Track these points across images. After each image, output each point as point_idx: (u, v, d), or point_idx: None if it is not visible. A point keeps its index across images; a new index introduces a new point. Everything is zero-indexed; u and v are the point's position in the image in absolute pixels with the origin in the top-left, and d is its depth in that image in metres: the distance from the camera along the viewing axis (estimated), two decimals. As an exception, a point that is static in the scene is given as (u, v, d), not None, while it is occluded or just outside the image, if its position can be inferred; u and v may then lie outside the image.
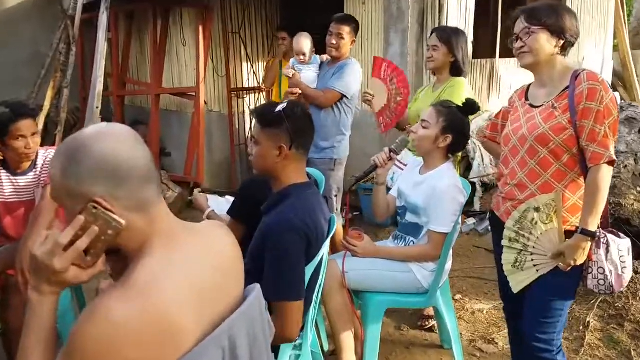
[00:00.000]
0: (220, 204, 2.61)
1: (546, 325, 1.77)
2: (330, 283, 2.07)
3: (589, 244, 1.65)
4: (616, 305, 2.74)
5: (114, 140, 0.93)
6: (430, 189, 2.11)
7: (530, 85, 1.94)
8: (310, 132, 1.68)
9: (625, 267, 1.73)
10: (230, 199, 2.54)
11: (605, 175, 1.62)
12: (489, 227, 2.43)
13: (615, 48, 6.97)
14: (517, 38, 1.79)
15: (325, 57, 3.30)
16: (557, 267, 1.71)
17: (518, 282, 1.82)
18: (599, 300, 2.80)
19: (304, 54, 3.22)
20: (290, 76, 3.17)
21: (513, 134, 1.83)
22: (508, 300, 2.07)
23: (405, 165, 2.79)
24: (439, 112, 2.14)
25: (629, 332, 2.55)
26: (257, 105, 5.67)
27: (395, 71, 2.86)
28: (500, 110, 2.08)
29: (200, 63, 4.82)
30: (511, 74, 5.27)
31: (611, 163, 1.63)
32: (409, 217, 2.22)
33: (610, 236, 1.74)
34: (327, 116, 3.14)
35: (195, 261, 1.00)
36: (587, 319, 2.69)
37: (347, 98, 3.11)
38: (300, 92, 3.11)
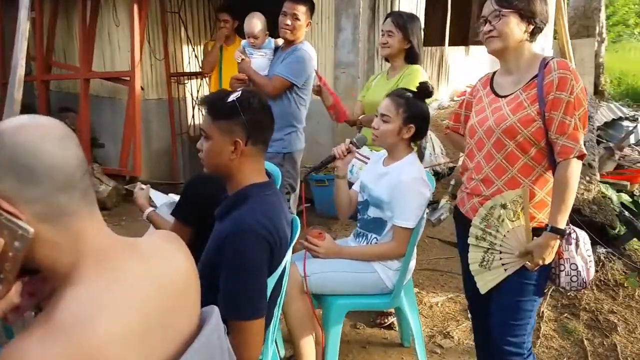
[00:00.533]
0: (162, 200, 2.38)
1: (516, 328, 1.70)
2: (291, 288, 1.91)
3: (558, 242, 1.60)
4: (568, 294, 2.77)
5: (36, 134, 0.77)
6: (394, 181, 1.99)
7: (494, 73, 1.85)
8: (269, 125, 1.49)
9: (591, 261, 1.69)
10: (175, 197, 2.30)
11: (575, 170, 1.56)
12: (441, 217, 2.37)
13: (554, 37, 7.20)
14: (485, 21, 1.68)
15: (280, 41, 3.05)
16: (524, 266, 1.65)
17: (486, 282, 1.74)
18: (551, 289, 2.82)
19: (255, 37, 2.96)
20: (239, 61, 2.92)
21: (478, 126, 1.73)
22: (473, 299, 2.00)
23: (369, 159, 2.67)
24: (398, 103, 2.02)
25: (583, 321, 2.58)
26: (200, 91, 5.35)
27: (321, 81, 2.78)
28: (463, 100, 1.99)
29: (135, 45, 4.44)
30: (460, 63, 5.28)
31: (581, 157, 1.57)
32: (372, 212, 2.09)
33: (578, 230, 1.70)
34: (275, 106, 2.90)
35: (139, 287, 0.82)
36: (541, 310, 2.70)
37: (298, 86, 2.88)
38: (245, 77, 2.87)
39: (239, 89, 1.49)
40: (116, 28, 4.83)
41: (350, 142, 2.07)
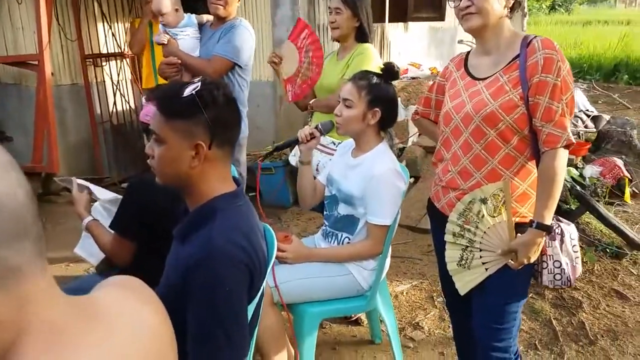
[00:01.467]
0: (105, 195, 2.04)
1: (502, 332, 1.58)
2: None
3: (544, 238, 1.47)
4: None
5: None
6: (366, 175, 1.80)
7: (468, 53, 1.68)
8: (236, 121, 1.22)
9: (577, 257, 1.59)
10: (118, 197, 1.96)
11: (562, 160, 1.42)
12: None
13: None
14: None
15: (205, 17, 2.72)
16: (507, 265, 1.51)
17: (465, 283, 1.60)
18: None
19: (162, 14, 2.56)
20: (165, 42, 2.55)
21: (454, 112, 1.56)
22: (452, 297, 1.86)
23: (334, 151, 2.45)
24: (359, 86, 1.81)
25: (549, 301, 2.57)
26: (120, 74, 4.82)
27: (314, 44, 2.44)
28: (434, 83, 1.81)
29: (42, 24, 3.85)
30: (400, 40, 5.15)
31: (568, 146, 1.43)
32: (342, 209, 1.88)
33: (562, 224, 1.59)
34: None
35: None
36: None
37: (240, 67, 2.60)
38: (178, 61, 2.53)
39: (196, 79, 1.20)
40: (18, 6, 4.19)
41: (315, 127, 1.85)
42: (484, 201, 1.51)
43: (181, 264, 1.11)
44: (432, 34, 5.89)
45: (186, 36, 2.62)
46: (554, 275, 1.54)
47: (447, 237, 1.60)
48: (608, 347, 2.27)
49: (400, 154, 4.01)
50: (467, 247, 1.57)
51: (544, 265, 1.53)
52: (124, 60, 4.81)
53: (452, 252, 1.61)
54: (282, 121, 4.41)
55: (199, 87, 1.13)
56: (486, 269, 1.55)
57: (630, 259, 2.90)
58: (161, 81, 4.04)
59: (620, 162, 3.90)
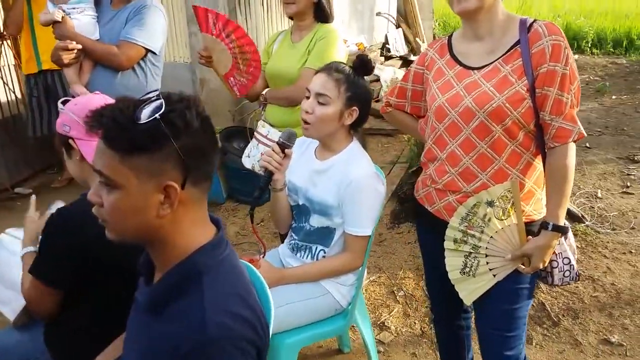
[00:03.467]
0: None
1: (513, 339, 1.47)
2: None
3: (559, 240, 1.38)
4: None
5: None
6: (342, 180, 1.57)
7: (450, 37, 1.49)
8: (214, 146, 0.91)
9: (575, 248, 1.52)
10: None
11: (573, 155, 1.34)
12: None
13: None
14: None
15: None
16: (515, 270, 1.40)
17: (471, 292, 1.46)
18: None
19: None
20: (59, 20, 2.06)
21: (450, 107, 1.38)
22: (439, 304, 1.73)
23: (267, 138, 2.16)
24: (337, 80, 1.56)
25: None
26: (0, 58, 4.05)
27: (228, 25, 2.09)
28: (409, 71, 1.60)
29: None
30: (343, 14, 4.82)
31: (577, 140, 1.34)
32: (316, 221, 1.65)
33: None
34: (127, 80, 2.20)
35: None
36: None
37: (155, 54, 2.24)
38: (79, 46, 2.08)
39: (150, 92, 0.87)
40: None
41: (280, 144, 1.55)
42: (491, 204, 1.36)
43: (162, 347, 0.81)
44: (352, 7, 5.69)
45: (81, 14, 2.16)
46: (564, 273, 1.44)
47: (448, 244, 1.45)
48: (571, 327, 2.29)
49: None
50: (470, 253, 1.43)
51: (555, 264, 1.43)
52: (4, 42, 4.06)
53: (454, 260, 1.46)
54: (210, 109, 3.99)
55: (162, 108, 0.81)
56: (494, 276, 1.42)
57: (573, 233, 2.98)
58: (46, 66, 3.47)
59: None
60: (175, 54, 3.94)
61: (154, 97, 0.84)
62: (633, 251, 2.86)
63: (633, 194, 3.60)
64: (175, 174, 0.84)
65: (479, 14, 1.34)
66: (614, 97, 6.45)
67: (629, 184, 3.75)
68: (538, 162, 1.39)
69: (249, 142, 2.32)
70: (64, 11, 2.09)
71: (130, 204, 0.82)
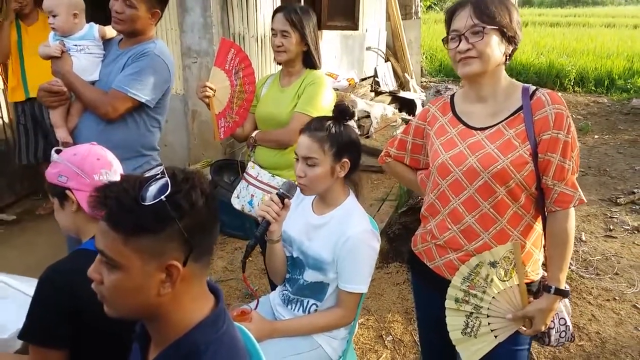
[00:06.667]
0: None
1: None
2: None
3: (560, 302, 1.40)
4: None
5: None
6: (339, 237, 1.57)
7: (453, 97, 1.53)
8: (216, 221, 0.91)
9: (570, 311, 1.54)
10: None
11: (573, 220, 1.37)
12: None
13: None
14: (459, 37, 1.34)
15: (112, 31, 2.08)
16: (515, 332, 1.42)
17: (472, 353, 1.46)
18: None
19: (54, 15, 1.97)
20: (59, 55, 1.95)
21: (454, 165, 1.40)
22: (432, 357, 1.73)
23: (257, 180, 2.16)
24: (320, 139, 1.57)
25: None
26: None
27: (243, 62, 2.13)
28: (410, 124, 1.64)
29: None
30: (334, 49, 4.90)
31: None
32: (310, 276, 1.64)
33: None
34: (114, 131, 1.98)
35: None
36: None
37: (149, 107, 2.02)
38: (64, 89, 1.95)
39: (154, 167, 0.88)
40: None
41: (279, 195, 1.55)
42: (493, 264, 1.38)
43: None
44: (343, 43, 5.79)
45: (83, 54, 2.02)
46: (560, 334, 1.46)
47: (449, 304, 1.45)
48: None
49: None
50: (472, 313, 1.43)
51: (552, 325, 1.44)
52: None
53: (455, 320, 1.46)
54: (196, 139, 3.99)
55: (169, 189, 0.81)
56: (495, 337, 1.42)
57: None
58: (34, 94, 3.41)
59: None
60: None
61: (158, 175, 0.84)
62: (617, 298, 2.90)
63: (616, 237, 3.67)
64: (177, 253, 0.83)
65: (482, 78, 1.38)
66: (596, 136, 6.63)
67: (612, 227, 3.83)
68: (537, 224, 1.42)
69: (239, 175, 2.31)
70: (64, 45, 1.98)
71: (132, 284, 0.82)
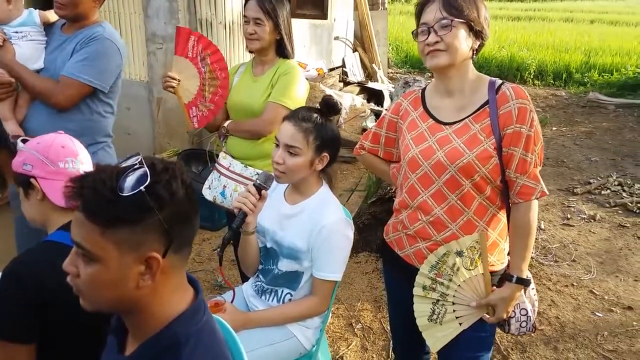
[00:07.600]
0: None
1: None
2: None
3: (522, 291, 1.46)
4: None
5: None
6: (313, 226, 1.58)
7: (424, 91, 1.56)
8: (196, 211, 0.90)
9: (536, 300, 1.60)
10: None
11: (536, 211, 1.42)
12: None
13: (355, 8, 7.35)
14: (428, 30, 1.36)
15: (55, 15, 1.99)
16: (479, 319, 1.47)
17: (438, 339, 1.51)
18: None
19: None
20: (0, 44, 1.86)
21: (423, 159, 1.43)
22: (402, 343, 1.77)
23: (229, 170, 2.13)
24: (306, 130, 1.57)
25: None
26: None
27: (208, 48, 2.08)
28: (384, 118, 1.66)
29: None
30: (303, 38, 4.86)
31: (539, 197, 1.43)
32: (285, 265, 1.64)
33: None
34: (68, 119, 1.93)
35: None
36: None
37: (104, 92, 1.98)
38: (11, 80, 1.88)
39: (132, 156, 0.85)
40: None
41: (256, 186, 1.54)
42: (460, 254, 1.42)
43: None
44: (312, 32, 5.76)
45: (24, 41, 1.91)
46: (520, 323, 1.51)
47: (417, 291, 1.49)
48: (520, 360, 2.40)
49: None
50: (438, 300, 1.48)
51: (512, 314, 1.50)
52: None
53: (422, 307, 1.50)
54: (161, 127, 3.90)
55: (148, 179, 0.79)
56: (460, 324, 1.47)
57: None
58: None
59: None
60: (132, 72, 3.83)
61: (136, 164, 0.82)
62: (575, 284, 3.03)
63: (573, 226, 3.83)
64: (157, 244, 0.82)
65: (450, 71, 1.41)
66: (554, 128, 6.87)
67: (569, 215, 3.99)
68: (502, 215, 1.47)
69: (207, 165, 2.28)
70: (4, 34, 1.88)
71: (109, 277, 0.80)
